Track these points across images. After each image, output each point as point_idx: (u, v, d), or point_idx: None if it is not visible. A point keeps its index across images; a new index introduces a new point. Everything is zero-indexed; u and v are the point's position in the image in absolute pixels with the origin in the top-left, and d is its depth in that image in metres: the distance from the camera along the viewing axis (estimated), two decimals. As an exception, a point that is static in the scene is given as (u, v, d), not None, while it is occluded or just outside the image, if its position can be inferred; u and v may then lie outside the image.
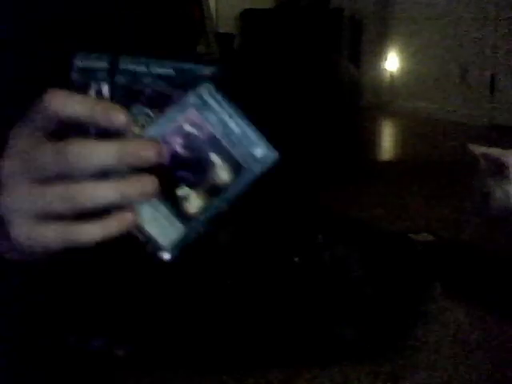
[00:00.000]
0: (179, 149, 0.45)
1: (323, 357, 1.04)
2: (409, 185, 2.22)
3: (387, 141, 3.68)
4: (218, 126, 0.45)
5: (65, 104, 0.43)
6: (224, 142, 0.45)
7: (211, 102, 0.45)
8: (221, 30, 3.96)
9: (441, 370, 1.02)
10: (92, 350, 1.00)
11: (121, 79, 0.46)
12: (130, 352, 1.02)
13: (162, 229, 0.47)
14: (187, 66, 0.46)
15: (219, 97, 0.45)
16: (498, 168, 1.19)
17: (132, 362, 1.02)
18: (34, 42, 0.78)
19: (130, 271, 0.99)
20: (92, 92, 0.47)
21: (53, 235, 0.44)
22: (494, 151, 1.25)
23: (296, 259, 1.04)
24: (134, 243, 0.77)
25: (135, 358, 1.03)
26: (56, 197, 0.43)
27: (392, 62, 4.31)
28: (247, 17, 4.31)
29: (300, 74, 3.71)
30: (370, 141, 3.40)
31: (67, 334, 0.99)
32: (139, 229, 0.46)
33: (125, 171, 0.43)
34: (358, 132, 3.55)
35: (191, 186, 0.46)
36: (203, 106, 0.45)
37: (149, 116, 0.46)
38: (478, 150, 1.26)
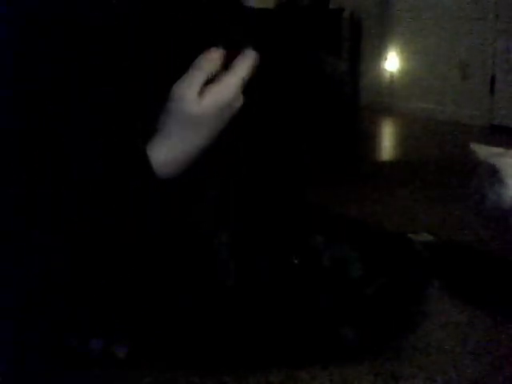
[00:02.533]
0: None
1: (323, 357, 1.04)
2: (409, 185, 2.22)
3: (387, 141, 3.68)
4: None
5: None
6: None
7: None
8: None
9: (441, 370, 1.02)
10: (92, 351, 1.00)
11: None
12: (131, 353, 1.02)
13: None
14: None
15: None
16: (493, 171, 1.21)
17: (132, 362, 1.03)
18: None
19: (128, 271, 0.99)
20: None
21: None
22: (494, 151, 1.26)
23: (295, 260, 1.04)
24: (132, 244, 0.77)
25: (135, 358, 1.03)
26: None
27: (392, 62, 4.30)
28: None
29: (299, 73, 3.71)
30: (370, 141, 3.40)
31: (67, 335, 0.99)
32: None
33: None
34: (357, 132, 3.55)
35: None
36: None
37: None
38: (479, 149, 1.27)
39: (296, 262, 1.03)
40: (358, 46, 4.47)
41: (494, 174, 1.20)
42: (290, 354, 1.04)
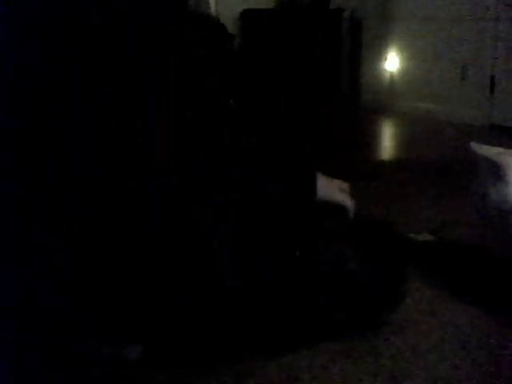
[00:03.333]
0: None
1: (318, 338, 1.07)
2: (409, 185, 2.22)
3: (387, 141, 3.68)
4: None
5: None
6: None
7: None
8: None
9: (441, 370, 1.02)
10: (103, 357, 1.00)
11: None
12: (144, 354, 1.02)
13: None
14: None
15: None
16: (495, 169, 1.20)
17: (132, 363, 1.03)
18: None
19: (128, 271, 0.99)
20: None
21: None
22: (494, 150, 1.26)
23: (297, 253, 1.05)
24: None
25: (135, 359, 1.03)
26: None
27: (392, 62, 4.30)
28: (247, 17, 4.31)
29: (299, 72, 3.71)
30: (370, 141, 3.40)
31: (78, 342, 0.99)
32: None
33: None
34: (358, 132, 3.55)
35: None
36: None
37: None
38: (479, 149, 1.27)
39: (298, 255, 1.05)
40: (358, 46, 4.47)
41: (494, 173, 1.20)
42: (289, 349, 1.05)
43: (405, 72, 4.22)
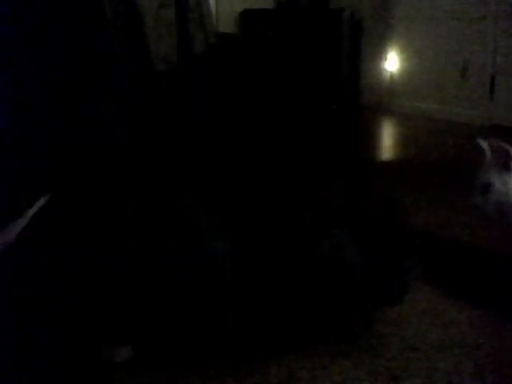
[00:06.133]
0: None
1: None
2: (408, 184, 2.21)
3: (387, 140, 3.68)
4: None
5: None
6: None
7: None
8: (221, 30, 3.95)
9: (441, 369, 1.02)
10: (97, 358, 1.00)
11: None
12: (134, 356, 1.02)
13: None
14: None
15: None
16: (504, 158, 1.20)
17: (132, 363, 1.03)
18: None
19: (130, 276, 1.00)
20: None
21: None
22: (502, 144, 1.26)
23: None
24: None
25: (136, 359, 1.03)
26: None
27: (392, 62, 4.30)
28: (247, 17, 4.30)
29: (299, 72, 3.71)
30: (370, 140, 3.40)
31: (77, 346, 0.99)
32: None
33: None
34: (358, 131, 3.55)
35: None
36: None
37: None
38: (484, 142, 1.27)
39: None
40: (358, 46, 4.46)
41: (502, 162, 1.20)
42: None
43: (405, 72, 4.22)
